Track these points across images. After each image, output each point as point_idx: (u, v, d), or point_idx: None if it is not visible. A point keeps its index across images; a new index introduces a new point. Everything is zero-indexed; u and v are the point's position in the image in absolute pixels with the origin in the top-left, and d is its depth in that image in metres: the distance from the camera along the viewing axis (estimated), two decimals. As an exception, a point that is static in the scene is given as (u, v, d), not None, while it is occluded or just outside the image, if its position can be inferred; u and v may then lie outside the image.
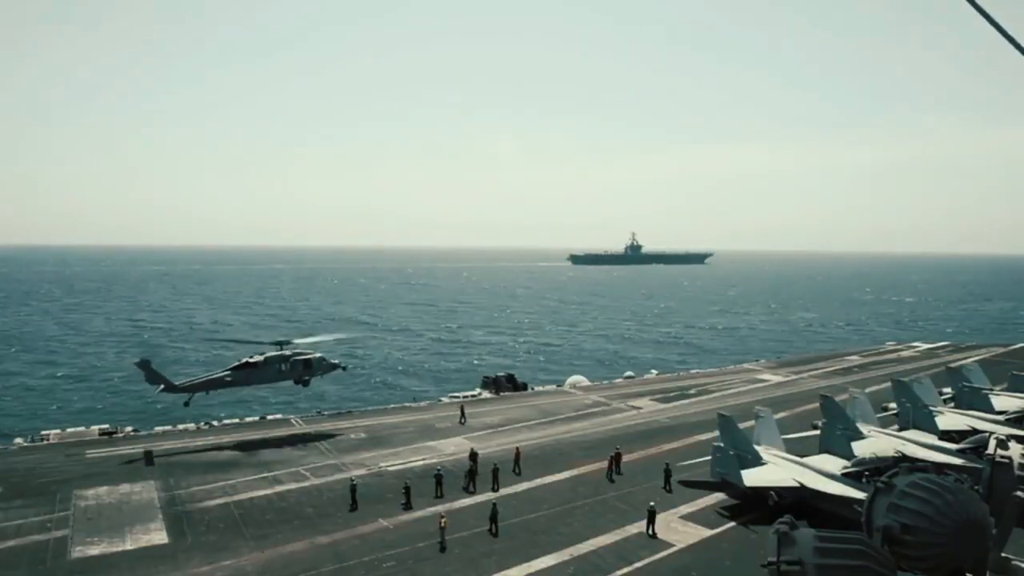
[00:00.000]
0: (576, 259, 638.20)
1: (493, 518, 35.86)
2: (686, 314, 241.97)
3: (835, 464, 39.40)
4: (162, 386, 52.85)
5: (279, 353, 56.78)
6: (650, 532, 35.36)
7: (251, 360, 56.35)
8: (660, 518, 36.35)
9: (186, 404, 54.28)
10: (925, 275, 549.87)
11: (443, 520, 34.76)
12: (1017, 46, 10.83)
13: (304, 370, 57.34)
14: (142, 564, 32.00)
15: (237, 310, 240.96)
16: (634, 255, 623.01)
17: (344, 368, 61.52)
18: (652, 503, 36.62)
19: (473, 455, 44.98)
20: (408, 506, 38.95)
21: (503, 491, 41.55)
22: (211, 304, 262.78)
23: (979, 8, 10.75)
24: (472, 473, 43.16)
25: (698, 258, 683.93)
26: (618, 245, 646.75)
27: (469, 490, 41.86)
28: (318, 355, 58.50)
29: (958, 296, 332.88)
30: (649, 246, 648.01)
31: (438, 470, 42.45)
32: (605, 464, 46.06)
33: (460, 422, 58.12)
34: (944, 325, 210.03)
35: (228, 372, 55.99)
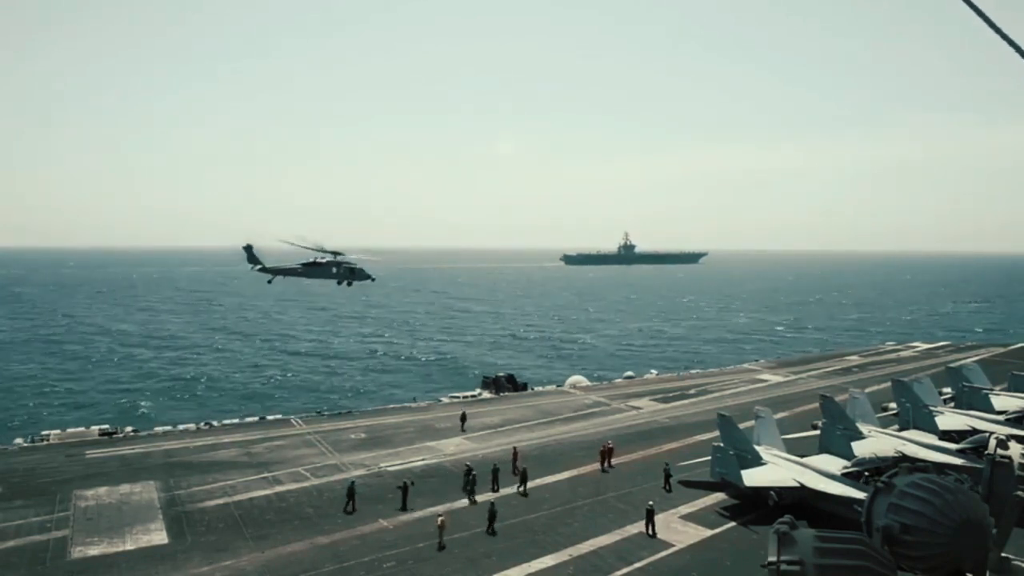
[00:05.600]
0: (569, 259, 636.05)
1: (491, 518, 35.88)
2: (684, 314, 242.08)
3: (835, 464, 39.32)
4: (259, 266, 71.44)
5: (335, 259, 73.73)
6: (649, 532, 35.37)
7: (317, 260, 73.30)
8: (660, 518, 36.36)
9: (269, 282, 73.67)
10: (891, 274, 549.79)
11: (441, 519, 34.81)
12: (1016, 48, 10.83)
13: (350, 274, 74.41)
14: (142, 564, 31.97)
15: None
16: (627, 255, 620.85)
17: (373, 279, 77.63)
18: (651, 503, 36.62)
19: (515, 453, 45.61)
20: (404, 508, 38.66)
21: (503, 491, 41.55)
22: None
23: (978, 10, 10.75)
24: (522, 475, 42.27)
25: (692, 258, 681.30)
26: (611, 245, 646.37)
27: (467, 489, 41.74)
28: (359, 266, 75.41)
29: (913, 296, 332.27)
30: (644, 246, 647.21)
31: (469, 467, 42.37)
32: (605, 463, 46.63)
33: (462, 428, 56.06)
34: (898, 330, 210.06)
35: (300, 266, 73.07)
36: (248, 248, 71.68)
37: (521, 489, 41.74)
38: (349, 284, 74.90)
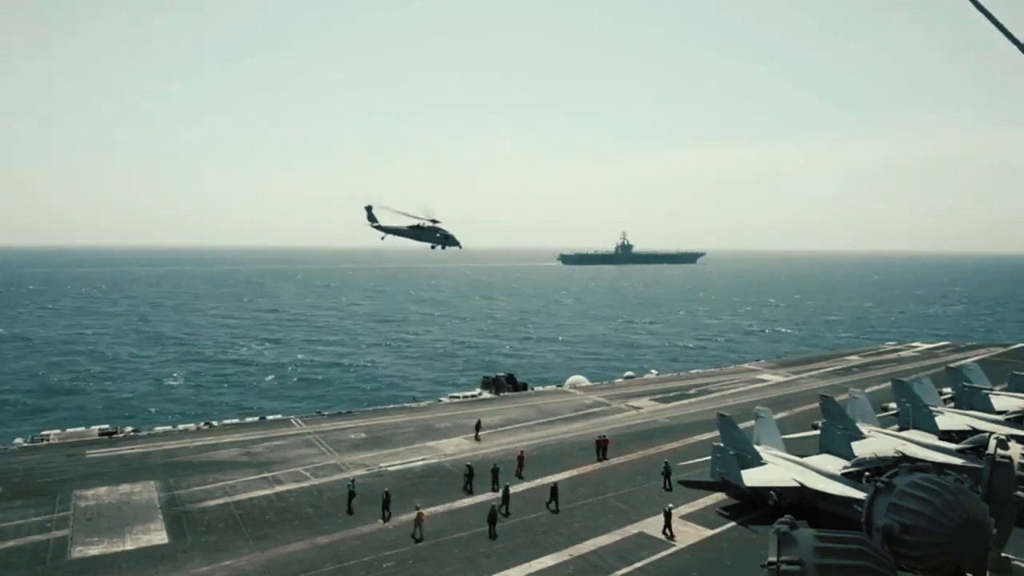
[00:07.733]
0: (566, 259, 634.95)
1: (491, 518, 35.84)
2: (683, 314, 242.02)
3: (835, 464, 39.32)
4: (376, 224, 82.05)
5: (434, 226, 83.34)
6: (667, 534, 35.17)
7: (420, 224, 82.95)
8: (660, 518, 36.24)
9: (382, 239, 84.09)
10: (884, 274, 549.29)
11: (418, 512, 34.99)
12: (1018, 44, 10.82)
13: (445, 240, 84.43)
14: (142, 564, 31.98)
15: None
16: (625, 254, 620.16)
17: (461, 247, 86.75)
18: (670, 505, 36.44)
19: (521, 458, 45.50)
20: (385, 517, 37.47)
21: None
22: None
23: (982, 8, 10.74)
24: (553, 491, 39.97)
25: (690, 258, 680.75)
26: (609, 245, 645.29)
27: (467, 489, 41.81)
28: (452, 233, 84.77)
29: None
30: (642, 246, 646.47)
31: (471, 467, 42.71)
32: (605, 463, 47.17)
33: (476, 438, 53.76)
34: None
35: (406, 228, 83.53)
36: (368, 208, 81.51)
37: (552, 506, 39.08)
38: (443, 247, 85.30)
